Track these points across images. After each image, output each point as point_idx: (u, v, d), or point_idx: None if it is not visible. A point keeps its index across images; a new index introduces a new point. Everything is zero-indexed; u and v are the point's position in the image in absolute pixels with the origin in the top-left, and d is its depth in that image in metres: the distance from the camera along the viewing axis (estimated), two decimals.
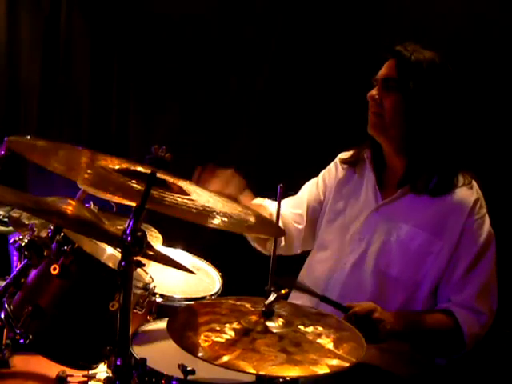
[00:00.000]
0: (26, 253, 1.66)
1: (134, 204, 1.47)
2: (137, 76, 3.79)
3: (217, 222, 1.59)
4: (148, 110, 3.78)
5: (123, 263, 1.41)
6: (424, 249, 2.04)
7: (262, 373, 1.39)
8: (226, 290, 2.41)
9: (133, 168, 1.46)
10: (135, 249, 1.41)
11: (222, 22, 3.57)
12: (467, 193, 2.07)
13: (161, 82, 3.70)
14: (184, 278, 2.44)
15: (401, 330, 1.97)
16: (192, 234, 2.89)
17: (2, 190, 1.72)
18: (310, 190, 2.40)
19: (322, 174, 2.41)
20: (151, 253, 1.68)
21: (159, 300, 2.22)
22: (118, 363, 1.44)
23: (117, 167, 1.48)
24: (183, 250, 2.65)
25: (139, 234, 1.40)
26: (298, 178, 2.49)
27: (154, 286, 2.05)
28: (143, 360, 1.53)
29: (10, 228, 3.95)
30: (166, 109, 3.71)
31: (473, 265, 2.02)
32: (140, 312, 2.02)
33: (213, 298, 2.33)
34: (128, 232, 1.40)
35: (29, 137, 1.44)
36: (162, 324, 2.08)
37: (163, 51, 3.68)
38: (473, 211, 2.04)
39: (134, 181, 1.54)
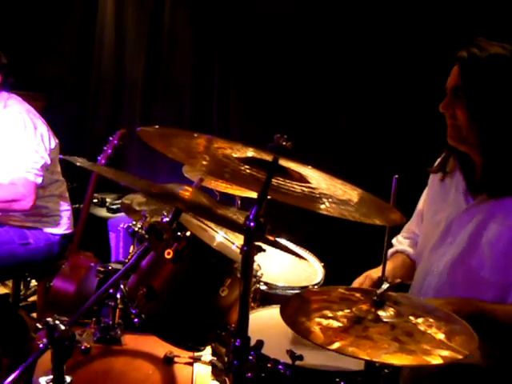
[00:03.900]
0: (146, 236, 1.74)
1: (253, 194, 1.50)
2: (238, 68, 3.84)
3: (326, 207, 1.61)
4: (249, 101, 3.83)
5: (245, 248, 1.47)
6: (511, 248, 1.98)
7: (376, 360, 1.41)
8: (329, 280, 2.44)
9: (252, 156, 1.51)
10: (257, 234, 1.46)
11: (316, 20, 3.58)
12: None
13: (261, 73, 3.74)
14: (287, 267, 2.48)
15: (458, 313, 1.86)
16: (295, 223, 2.92)
17: (132, 177, 1.81)
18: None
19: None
20: (271, 238, 1.73)
21: (263, 288, 2.27)
22: (237, 344, 1.50)
23: (236, 155, 1.54)
24: (286, 239, 2.67)
25: (261, 220, 1.46)
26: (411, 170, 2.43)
27: (262, 274, 2.10)
28: (260, 342, 1.58)
29: (112, 214, 4.18)
30: (266, 100, 3.75)
31: None
32: None
33: (315, 288, 2.36)
34: (251, 217, 1.46)
35: (157, 126, 1.52)
36: (266, 311, 2.14)
37: (264, 43, 3.71)
38: None
39: (253, 169, 1.59)
